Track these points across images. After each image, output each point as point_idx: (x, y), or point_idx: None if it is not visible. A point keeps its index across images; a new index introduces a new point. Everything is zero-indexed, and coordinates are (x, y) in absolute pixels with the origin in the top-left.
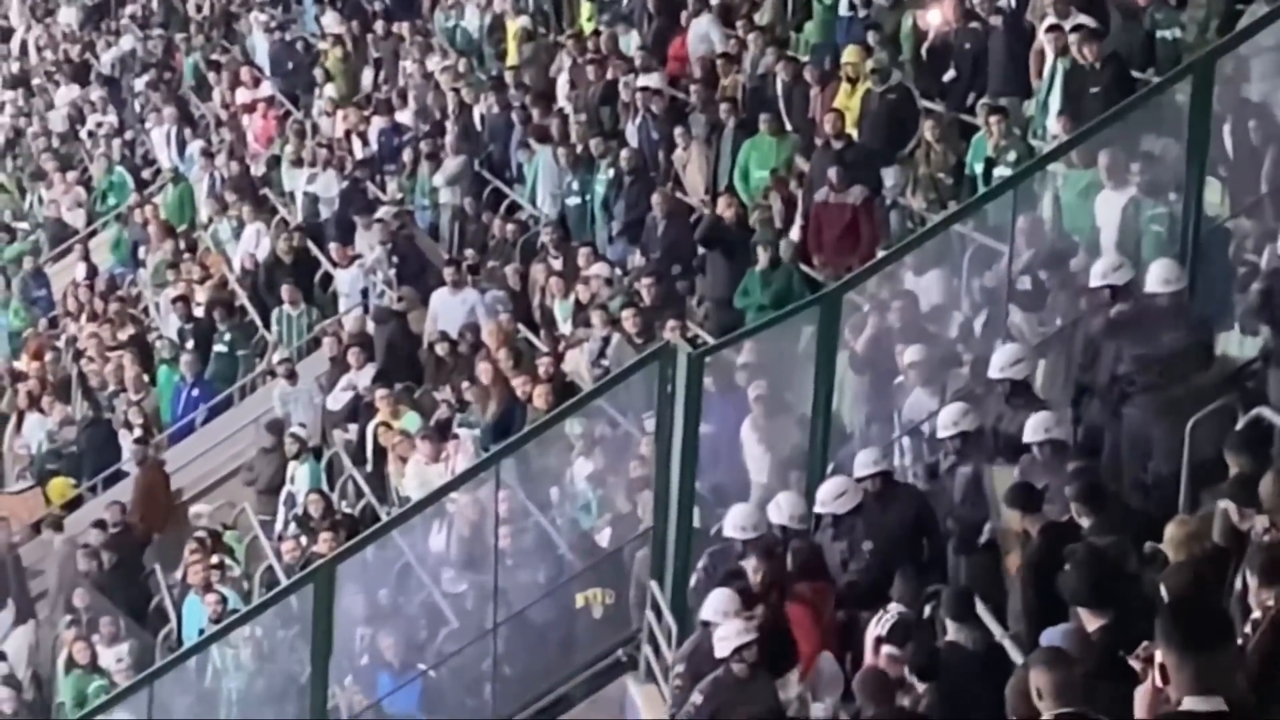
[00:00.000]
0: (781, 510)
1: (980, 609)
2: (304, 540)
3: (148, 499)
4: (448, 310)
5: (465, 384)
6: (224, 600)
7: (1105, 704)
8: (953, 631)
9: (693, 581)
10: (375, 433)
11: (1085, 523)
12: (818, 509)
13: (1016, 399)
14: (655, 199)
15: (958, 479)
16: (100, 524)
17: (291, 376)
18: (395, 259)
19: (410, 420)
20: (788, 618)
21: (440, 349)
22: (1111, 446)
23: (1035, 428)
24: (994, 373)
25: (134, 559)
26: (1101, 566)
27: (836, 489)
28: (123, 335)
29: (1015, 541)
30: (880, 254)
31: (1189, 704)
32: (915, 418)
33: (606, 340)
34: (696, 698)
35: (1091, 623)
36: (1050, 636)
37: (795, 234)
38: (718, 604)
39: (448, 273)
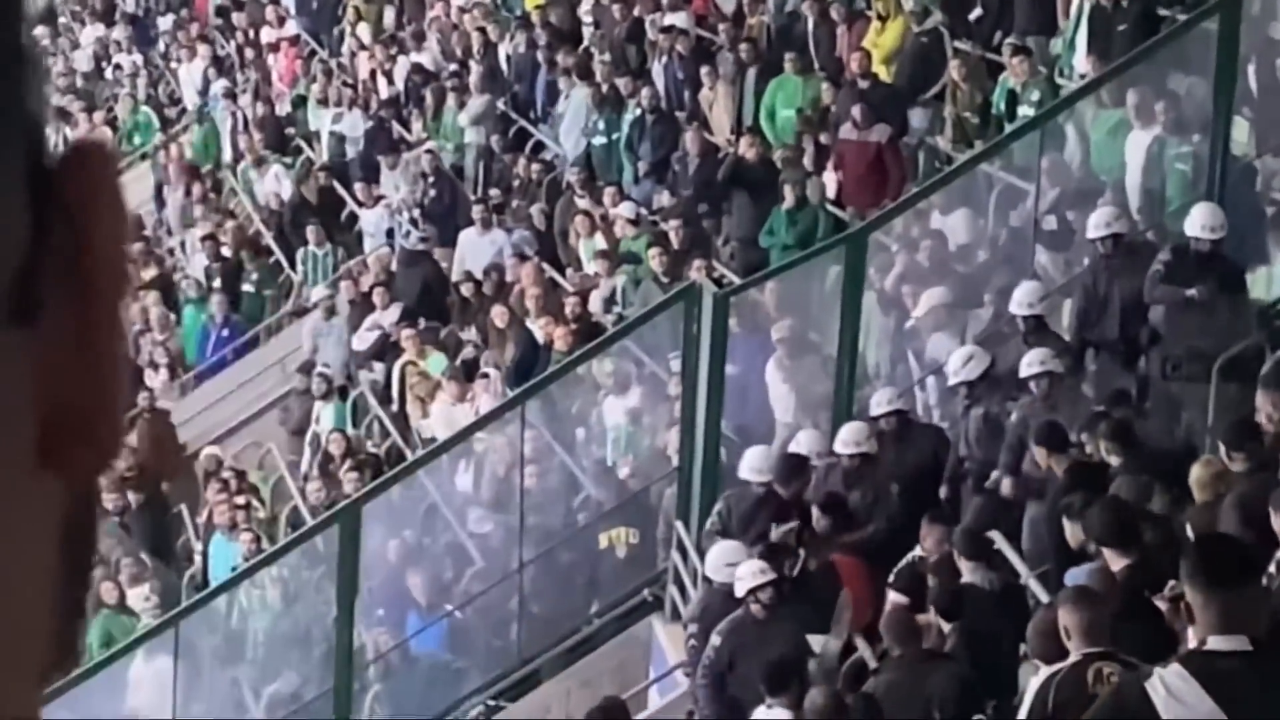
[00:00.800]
0: (801, 445)
1: (1005, 547)
2: (324, 481)
3: (157, 448)
4: (476, 250)
5: (487, 326)
6: (258, 540)
7: (1131, 644)
8: (968, 572)
9: (706, 525)
10: (402, 372)
11: (1114, 461)
12: (839, 448)
13: (1033, 336)
14: (688, 137)
15: (971, 421)
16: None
17: (330, 312)
18: (426, 197)
19: (436, 361)
20: (834, 567)
21: (466, 289)
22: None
23: (1031, 361)
24: (1014, 308)
25: (158, 500)
26: (1126, 506)
27: (859, 432)
28: (146, 275)
29: None
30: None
31: (1213, 643)
32: (938, 358)
33: (636, 282)
34: (715, 639)
35: (1116, 562)
36: (1075, 576)
37: (830, 177)
38: (721, 557)
39: (477, 212)
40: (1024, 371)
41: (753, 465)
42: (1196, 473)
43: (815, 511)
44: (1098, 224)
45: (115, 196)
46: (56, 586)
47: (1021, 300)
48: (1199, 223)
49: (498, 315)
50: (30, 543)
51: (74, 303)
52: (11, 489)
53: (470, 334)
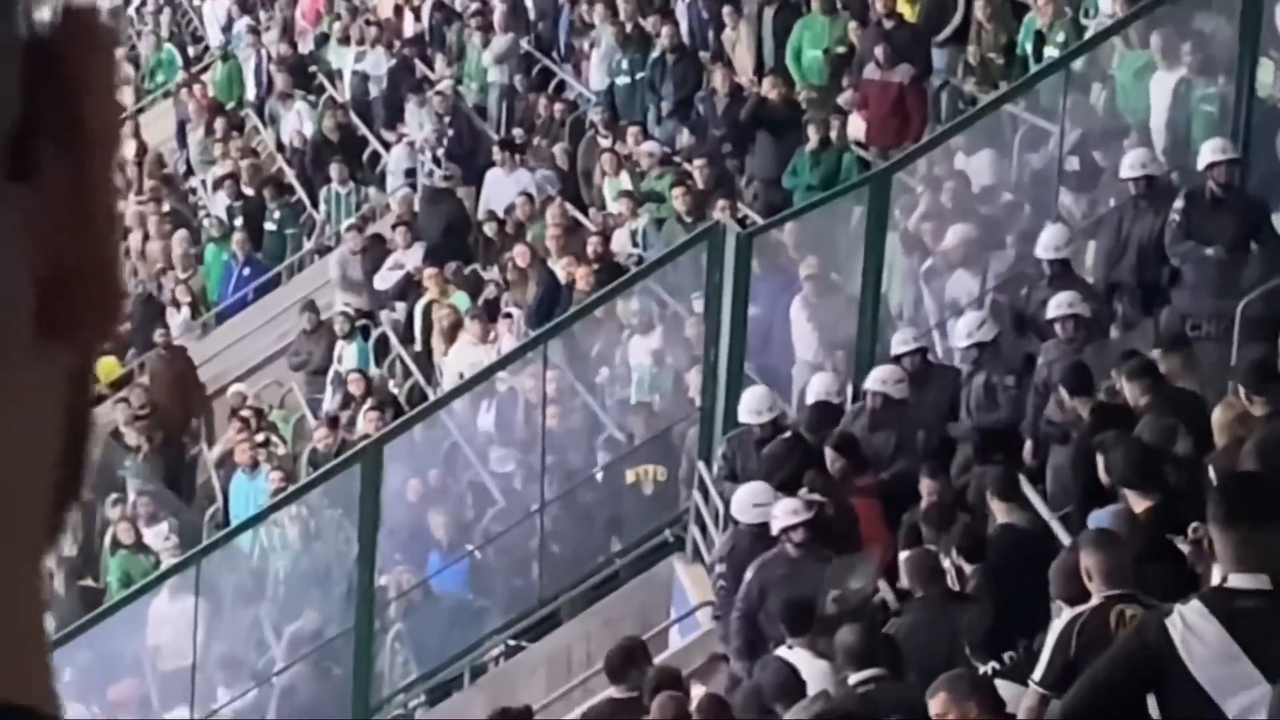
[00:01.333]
0: (815, 389)
1: (1028, 489)
2: (342, 420)
3: (176, 386)
4: (500, 190)
5: (511, 263)
6: (287, 477)
7: (1153, 586)
8: (1002, 513)
9: (714, 469)
10: (425, 311)
11: (1140, 403)
12: (871, 386)
13: (1059, 280)
14: (715, 77)
15: (972, 389)
16: (124, 401)
17: (355, 247)
18: (449, 136)
19: (459, 300)
20: (852, 509)
21: (489, 228)
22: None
23: (1059, 303)
24: (1040, 253)
25: (176, 438)
26: (1149, 447)
27: (891, 374)
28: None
29: None
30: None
31: (1234, 581)
32: (959, 299)
33: (659, 222)
34: (748, 574)
35: (1139, 504)
36: (1098, 518)
37: (854, 118)
38: (748, 498)
39: (500, 155)
40: (1051, 313)
41: (750, 407)
42: (1218, 415)
43: (830, 453)
44: (1132, 164)
45: (108, 59)
46: (56, 466)
47: (1048, 244)
48: (1209, 153)
49: (519, 254)
50: (32, 418)
51: (69, 162)
52: (11, 361)
53: (493, 274)
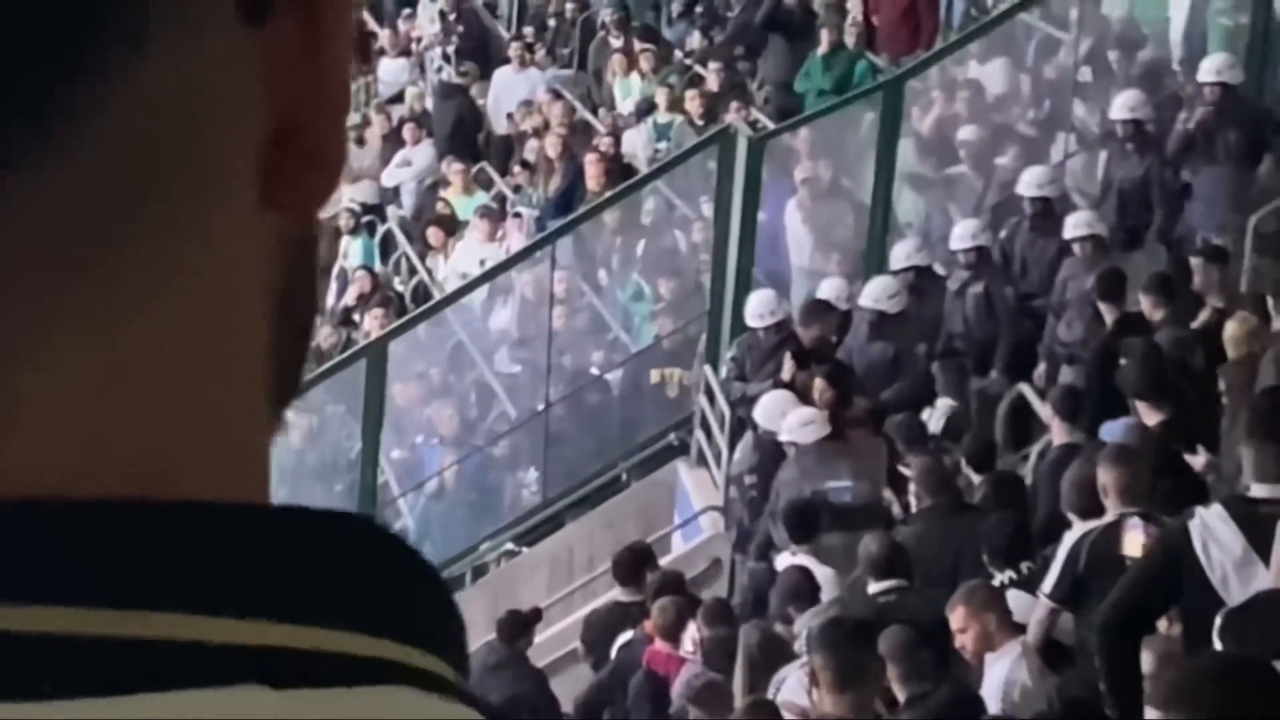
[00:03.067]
0: (824, 292)
1: (1032, 397)
2: (334, 327)
3: None
4: (511, 89)
5: (523, 162)
6: None
7: (1163, 502)
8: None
9: (723, 372)
10: (434, 207)
11: (1156, 316)
12: (866, 303)
13: (1040, 220)
14: None
15: (969, 298)
16: None
17: (360, 141)
18: (458, 32)
19: (479, 198)
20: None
21: (501, 127)
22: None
23: (1076, 223)
24: (1023, 190)
25: None
26: (1161, 359)
27: (890, 288)
28: None
29: None
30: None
31: (1256, 490)
32: (964, 208)
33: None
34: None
35: (1150, 416)
36: (1112, 430)
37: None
38: (775, 407)
39: (513, 49)
40: (1069, 234)
41: (754, 310)
42: (1231, 329)
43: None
44: (1121, 107)
45: None
46: (272, 350)
47: (1030, 182)
48: (1206, 71)
49: (550, 144)
50: (247, 298)
51: (305, 8)
52: (237, 225)
53: (506, 173)
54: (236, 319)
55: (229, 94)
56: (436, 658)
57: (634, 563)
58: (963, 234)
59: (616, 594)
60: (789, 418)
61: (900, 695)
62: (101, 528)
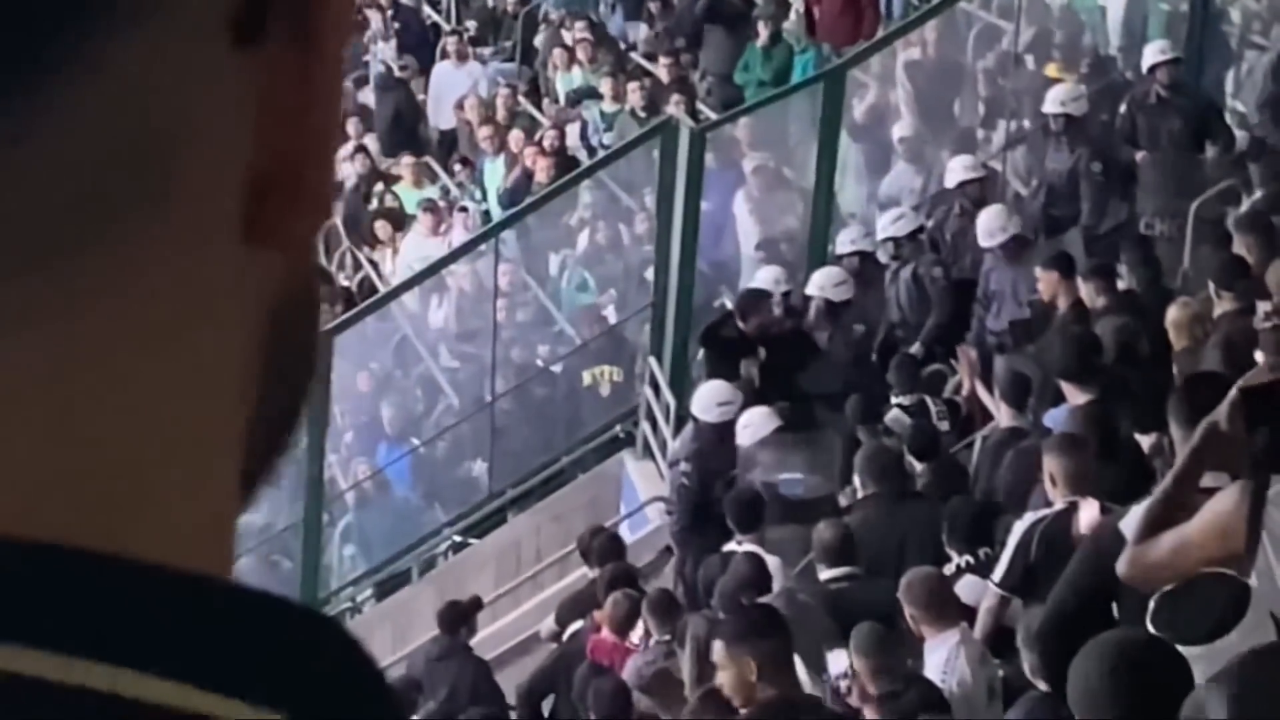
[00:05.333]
0: (761, 282)
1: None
2: None
3: None
4: (451, 83)
5: (462, 158)
6: None
7: (1110, 487)
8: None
9: (693, 371)
10: (379, 201)
11: (1098, 304)
12: (812, 291)
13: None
14: None
15: (900, 283)
16: None
17: None
18: (395, 28)
19: (411, 192)
20: None
21: (443, 121)
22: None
23: (991, 230)
24: (949, 180)
25: None
26: (1081, 340)
27: (836, 277)
28: None
29: None
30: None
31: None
32: (903, 197)
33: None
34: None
35: (1076, 397)
36: (1055, 418)
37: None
38: (711, 397)
39: (451, 44)
40: (983, 241)
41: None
42: (1174, 315)
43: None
44: (1053, 100)
45: None
46: (259, 392)
47: (956, 167)
48: (1151, 54)
49: (514, 139)
50: (222, 344)
51: (299, 32)
52: (215, 261)
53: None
54: (209, 368)
55: (211, 114)
56: None
57: (605, 544)
58: (886, 222)
59: (586, 572)
60: (751, 415)
61: (870, 690)
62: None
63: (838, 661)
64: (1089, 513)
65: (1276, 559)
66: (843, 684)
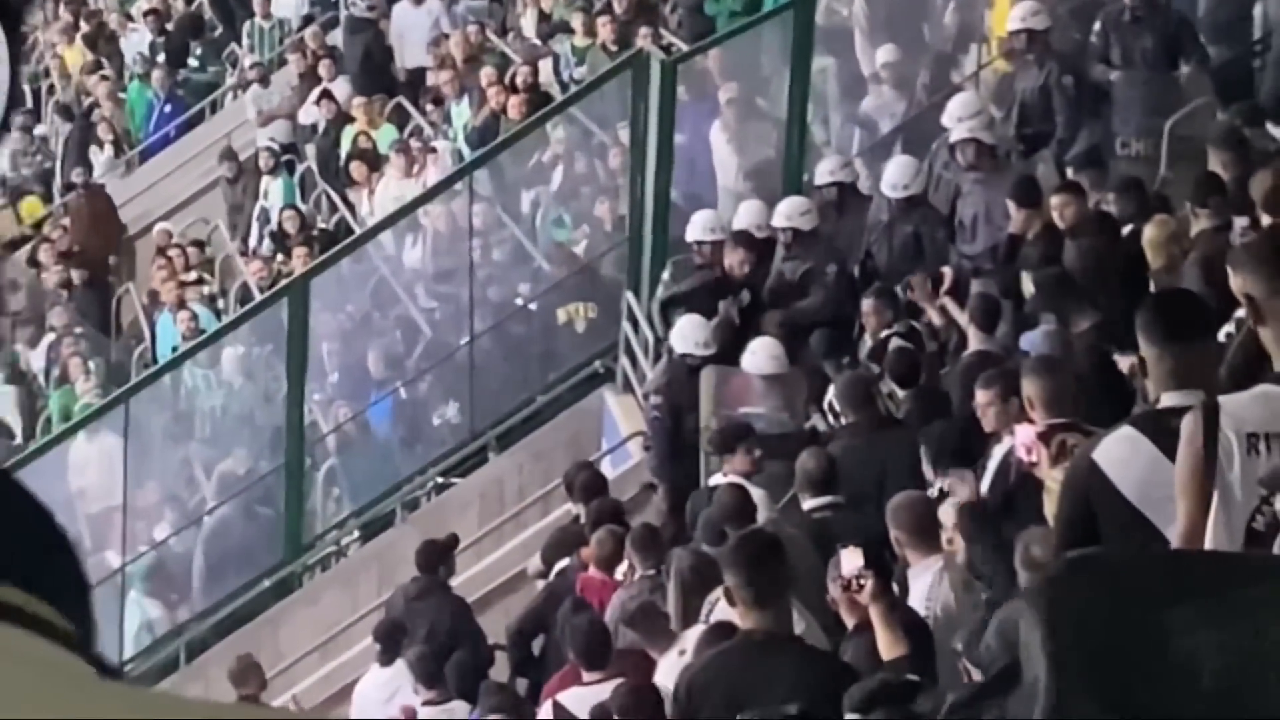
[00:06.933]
0: (743, 218)
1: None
2: (279, 257)
3: (96, 224)
4: (411, 23)
5: (435, 97)
6: (195, 317)
7: (1092, 410)
8: (977, 342)
9: (659, 294)
10: (355, 142)
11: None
12: (778, 222)
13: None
14: None
15: (897, 236)
16: (46, 240)
17: (264, 81)
18: None
19: (386, 133)
20: None
21: (409, 60)
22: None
23: (959, 131)
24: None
25: (102, 277)
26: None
27: (801, 205)
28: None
29: None
30: None
31: (1166, 399)
32: (881, 122)
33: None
34: None
35: (1050, 320)
36: (1030, 340)
37: None
38: (688, 331)
39: None
40: (954, 138)
41: (703, 224)
42: (1150, 233)
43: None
44: (1014, 17)
45: None
46: None
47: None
48: None
49: (485, 76)
50: None
51: None
52: None
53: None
54: None
55: None
56: (54, 609)
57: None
58: (903, 178)
59: (571, 508)
60: (756, 347)
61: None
62: None
63: (852, 560)
64: (1024, 436)
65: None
66: (856, 582)
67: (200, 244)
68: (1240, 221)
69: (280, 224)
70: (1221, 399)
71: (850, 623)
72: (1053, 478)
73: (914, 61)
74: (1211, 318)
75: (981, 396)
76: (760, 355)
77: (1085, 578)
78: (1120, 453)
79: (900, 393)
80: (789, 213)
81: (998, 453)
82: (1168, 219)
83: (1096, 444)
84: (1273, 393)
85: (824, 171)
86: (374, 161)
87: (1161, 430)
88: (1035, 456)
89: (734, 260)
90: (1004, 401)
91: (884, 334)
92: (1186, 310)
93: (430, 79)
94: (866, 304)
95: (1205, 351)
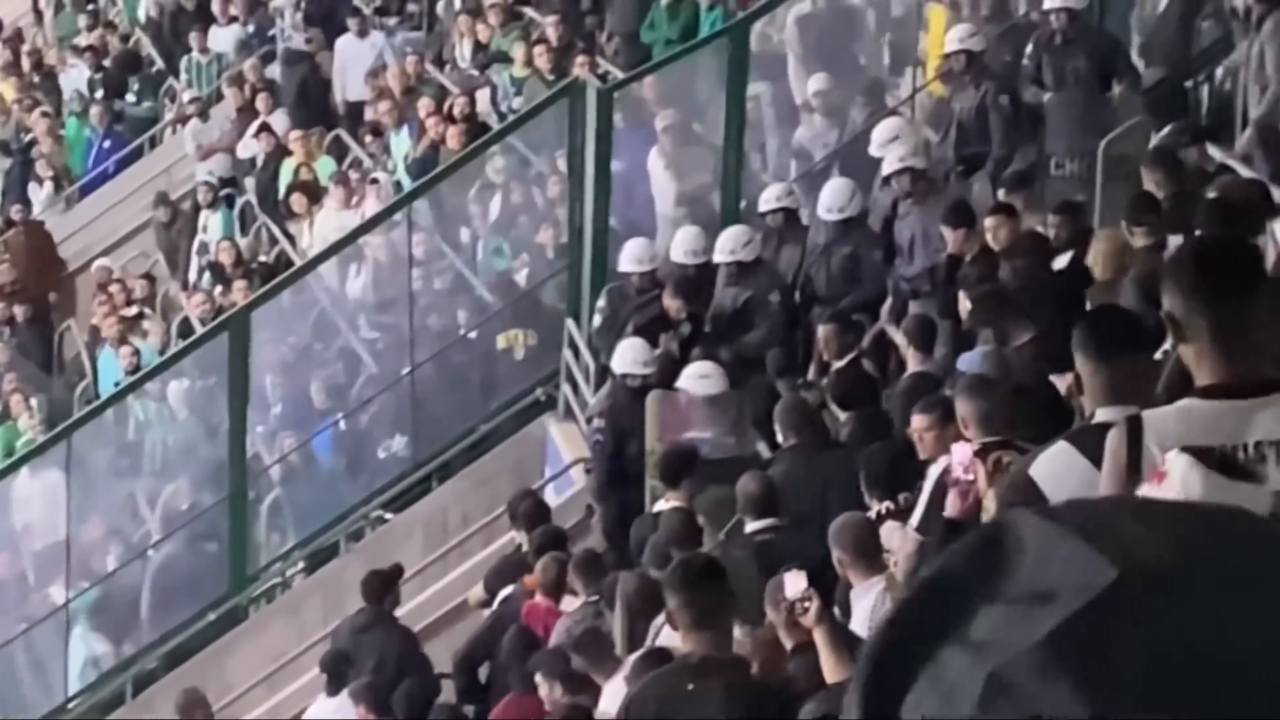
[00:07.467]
0: (679, 246)
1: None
2: (218, 290)
3: (35, 259)
4: (354, 56)
5: (374, 128)
6: (137, 353)
7: (1028, 427)
8: (916, 363)
9: (595, 321)
10: (295, 175)
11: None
12: (720, 256)
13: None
14: None
15: (835, 258)
16: None
17: (203, 115)
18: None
19: (325, 165)
20: None
21: (351, 93)
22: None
23: (890, 161)
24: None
25: (43, 314)
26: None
27: (742, 237)
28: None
29: None
30: None
31: (1101, 415)
32: (814, 151)
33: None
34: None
35: (988, 340)
36: (968, 360)
37: None
38: (631, 354)
39: (351, 22)
40: (886, 169)
41: (632, 255)
42: (1101, 246)
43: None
44: (952, 40)
45: None
46: None
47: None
48: None
49: (422, 107)
50: None
51: None
52: None
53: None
54: None
55: None
56: None
57: (530, 507)
58: (840, 200)
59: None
60: (692, 372)
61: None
62: None
63: (795, 583)
64: (960, 454)
65: None
66: (800, 605)
67: (150, 277)
68: (1175, 240)
69: (216, 257)
70: (1145, 414)
71: (789, 645)
72: (989, 499)
73: (846, 89)
74: (1146, 334)
75: (917, 422)
76: (693, 377)
77: None
78: (1055, 469)
79: (842, 415)
80: (731, 246)
81: (933, 473)
82: (1115, 232)
83: (1032, 460)
84: (1195, 407)
85: (769, 198)
86: (314, 194)
87: (1096, 446)
88: (973, 475)
89: (672, 306)
90: (941, 427)
91: (847, 359)
92: (1121, 327)
93: (369, 111)
94: (824, 330)
95: (1139, 367)
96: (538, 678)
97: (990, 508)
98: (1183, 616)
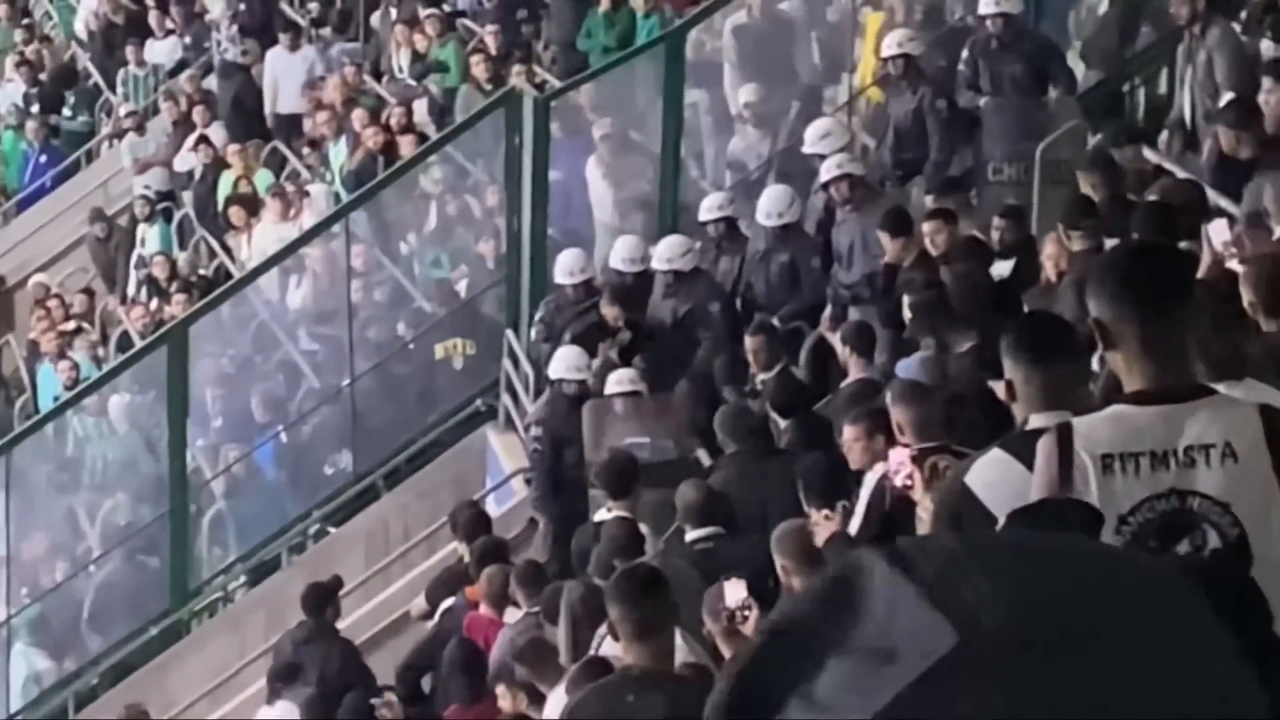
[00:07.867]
0: (617, 254)
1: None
2: (155, 304)
3: None
4: (287, 70)
5: (311, 140)
6: (76, 367)
7: (970, 433)
8: (858, 370)
9: (533, 334)
10: (233, 187)
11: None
12: (658, 265)
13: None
14: None
15: (773, 265)
16: None
17: (140, 128)
18: (240, 10)
19: (264, 177)
20: None
21: (285, 106)
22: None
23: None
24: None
25: None
26: (937, 300)
27: (680, 246)
28: None
29: None
30: None
31: (1034, 421)
32: (747, 160)
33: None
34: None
35: (927, 347)
36: (906, 366)
37: None
38: (568, 361)
39: (283, 38)
40: (824, 176)
41: (565, 268)
42: (1049, 249)
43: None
44: (889, 45)
45: None
46: None
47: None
48: (983, 4)
49: (357, 119)
50: None
51: None
52: None
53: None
54: None
55: None
56: None
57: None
58: (779, 206)
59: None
60: (613, 378)
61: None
62: None
63: (735, 591)
64: (897, 458)
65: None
66: (740, 614)
67: (89, 292)
68: (1111, 243)
69: (150, 271)
70: (1075, 420)
71: (729, 654)
72: (925, 504)
73: (780, 98)
74: (1079, 340)
75: (848, 433)
76: (621, 383)
77: None
78: (991, 475)
79: (782, 422)
80: (669, 255)
81: (870, 480)
82: (1064, 234)
83: (968, 467)
84: (1125, 413)
85: (710, 207)
86: (252, 206)
87: (1031, 452)
88: (910, 480)
89: (610, 313)
90: (869, 438)
91: (776, 369)
92: (1053, 332)
93: (306, 123)
94: (751, 341)
95: (1073, 373)
96: (499, 689)
97: (925, 513)
98: (1020, 685)
